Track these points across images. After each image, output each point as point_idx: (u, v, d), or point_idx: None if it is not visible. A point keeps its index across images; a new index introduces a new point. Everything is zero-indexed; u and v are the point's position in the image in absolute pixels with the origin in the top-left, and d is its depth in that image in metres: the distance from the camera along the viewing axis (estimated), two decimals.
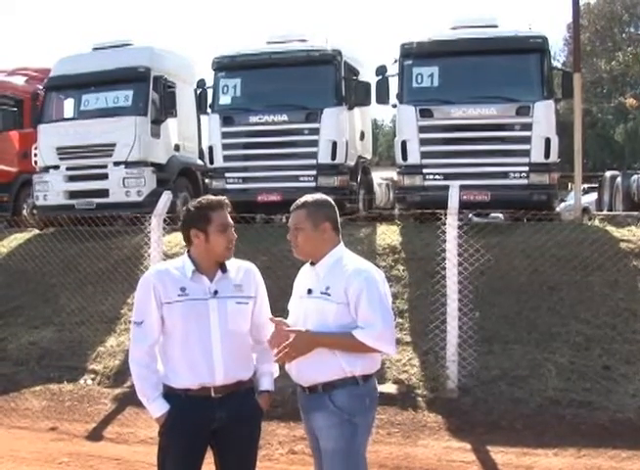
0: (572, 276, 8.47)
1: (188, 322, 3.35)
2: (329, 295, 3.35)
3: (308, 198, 3.52)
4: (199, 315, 3.35)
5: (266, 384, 3.57)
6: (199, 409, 3.34)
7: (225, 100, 12.10)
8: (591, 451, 5.89)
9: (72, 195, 12.21)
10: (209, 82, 12.25)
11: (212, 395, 3.35)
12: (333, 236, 3.49)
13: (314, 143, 11.37)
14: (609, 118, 38.24)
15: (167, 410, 3.35)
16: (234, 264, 3.54)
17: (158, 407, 3.37)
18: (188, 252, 3.50)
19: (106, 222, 9.95)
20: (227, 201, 3.51)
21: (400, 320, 8.02)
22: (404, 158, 10.87)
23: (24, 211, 13.98)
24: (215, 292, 3.39)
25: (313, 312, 3.39)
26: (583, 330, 7.73)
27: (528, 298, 8.29)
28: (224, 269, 3.46)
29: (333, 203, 3.57)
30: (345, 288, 3.33)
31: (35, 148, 13.09)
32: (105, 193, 11.96)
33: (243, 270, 3.54)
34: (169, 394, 3.38)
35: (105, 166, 12.02)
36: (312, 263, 3.51)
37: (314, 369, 3.35)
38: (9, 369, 8.44)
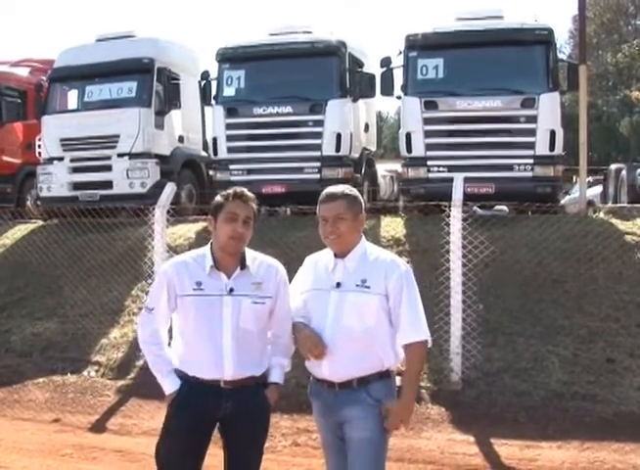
0: (577, 269, 8.44)
1: (200, 317, 3.33)
2: (368, 287, 3.30)
3: (344, 189, 3.44)
4: (211, 311, 3.33)
5: (276, 376, 3.52)
6: (207, 394, 3.34)
7: (229, 91, 12.07)
8: (595, 444, 5.88)
9: (76, 186, 12.21)
10: (213, 74, 12.22)
11: (222, 385, 3.34)
12: (361, 229, 3.47)
13: (318, 135, 11.34)
14: (614, 111, 38.08)
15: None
16: (257, 259, 3.47)
17: (170, 383, 3.41)
18: (211, 243, 3.47)
19: (109, 214, 9.95)
20: (250, 195, 3.44)
21: None
22: (409, 150, 10.84)
23: (28, 203, 13.99)
24: (231, 289, 3.35)
25: (351, 306, 3.32)
26: (587, 323, 7.71)
27: (533, 290, 8.27)
28: (243, 266, 3.40)
29: None
30: (385, 278, 3.30)
31: (39, 139, 13.10)
32: (109, 184, 11.95)
33: (265, 267, 3.47)
34: (181, 378, 3.39)
35: (109, 158, 12.00)
36: (337, 256, 3.41)
37: (353, 365, 3.34)
38: (13, 361, 8.44)
